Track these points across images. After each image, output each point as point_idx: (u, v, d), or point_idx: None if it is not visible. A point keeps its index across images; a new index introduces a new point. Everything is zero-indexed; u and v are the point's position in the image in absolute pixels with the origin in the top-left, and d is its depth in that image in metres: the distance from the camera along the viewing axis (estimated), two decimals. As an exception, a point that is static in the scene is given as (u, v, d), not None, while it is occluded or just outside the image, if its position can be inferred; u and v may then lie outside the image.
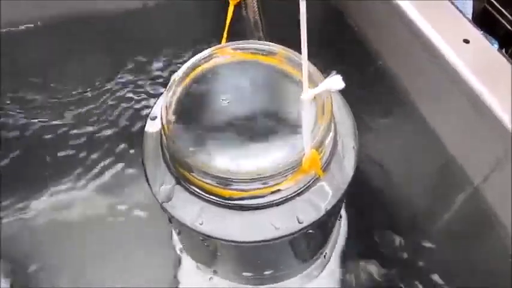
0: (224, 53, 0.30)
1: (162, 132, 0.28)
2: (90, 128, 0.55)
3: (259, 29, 0.47)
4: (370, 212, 0.49)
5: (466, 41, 0.37)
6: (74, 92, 0.56)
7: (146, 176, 0.30)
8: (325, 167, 0.28)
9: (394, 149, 0.49)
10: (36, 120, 0.54)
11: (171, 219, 0.30)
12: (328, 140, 0.28)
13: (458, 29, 0.38)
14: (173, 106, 0.29)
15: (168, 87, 0.29)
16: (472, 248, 0.41)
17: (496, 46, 0.57)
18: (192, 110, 0.29)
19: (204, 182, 0.27)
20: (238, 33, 0.54)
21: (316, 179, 0.28)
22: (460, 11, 0.40)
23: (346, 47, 0.52)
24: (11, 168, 0.52)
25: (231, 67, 0.30)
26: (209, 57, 0.30)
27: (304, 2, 0.19)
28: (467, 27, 0.38)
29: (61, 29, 0.52)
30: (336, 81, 0.23)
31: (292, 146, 0.27)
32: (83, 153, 0.53)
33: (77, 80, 0.56)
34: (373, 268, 0.46)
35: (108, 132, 0.54)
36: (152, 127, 0.32)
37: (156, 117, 0.31)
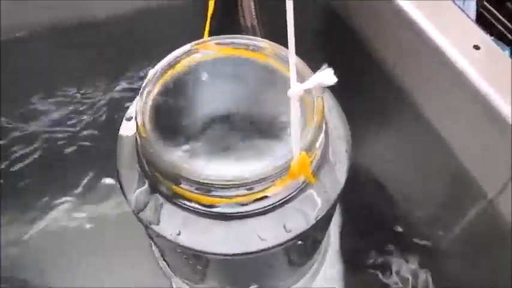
0: (206, 48, 0.28)
1: (137, 135, 0.25)
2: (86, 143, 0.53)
3: (256, 35, 0.45)
4: (379, 225, 0.48)
5: (477, 47, 0.36)
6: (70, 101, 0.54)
7: (120, 182, 0.27)
8: (316, 172, 0.26)
9: (404, 161, 0.48)
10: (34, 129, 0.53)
11: (146, 228, 0.27)
12: (319, 142, 0.25)
13: (467, 34, 0.37)
14: (149, 106, 0.26)
15: (143, 84, 0.27)
16: (486, 262, 0.40)
17: (508, 52, 0.56)
18: (170, 110, 0.27)
19: (182, 188, 0.25)
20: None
21: (306, 185, 0.26)
22: (469, 17, 0.38)
23: (345, 51, 0.50)
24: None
25: (213, 63, 0.28)
26: (189, 52, 0.28)
27: None
28: (477, 33, 0.37)
29: (58, 36, 0.50)
30: (327, 76, 0.21)
31: (281, 148, 0.25)
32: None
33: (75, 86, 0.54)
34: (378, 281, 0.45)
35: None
36: (127, 130, 0.29)
37: (131, 117, 0.29)
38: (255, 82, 0.28)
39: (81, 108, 0.54)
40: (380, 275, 0.45)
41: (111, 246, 0.48)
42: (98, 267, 0.46)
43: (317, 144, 0.25)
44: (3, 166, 0.51)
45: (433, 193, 0.44)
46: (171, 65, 0.27)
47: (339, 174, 0.28)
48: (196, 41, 0.28)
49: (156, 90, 0.27)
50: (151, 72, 0.27)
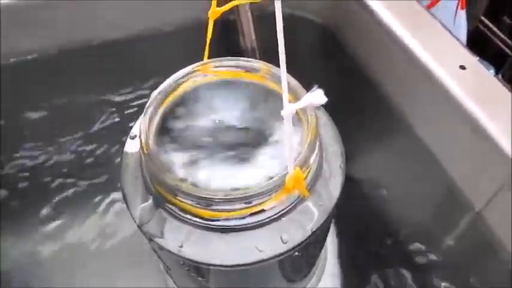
0: (206, 71, 0.30)
1: (141, 152, 0.27)
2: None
3: (256, 57, 0.47)
4: (367, 237, 0.49)
5: (463, 67, 0.38)
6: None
7: (124, 197, 0.29)
8: (311, 187, 0.27)
9: (394, 174, 0.49)
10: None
11: (150, 242, 0.29)
12: (313, 158, 0.27)
13: (454, 55, 0.39)
14: (153, 124, 0.28)
15: (147, 104, 0.28)
16: (474, 273, 0.40)
17: (492, 72, 0.58)
18: (172, 128, 0.28)
19: (184, 203, 0.26)
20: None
21: (302, 199, 0.27)
22: (456, 37, 0.40)
23: (341, 72, 0.52)
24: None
25: (213, 85, 0.30)
26: (190, 74, 0.29)
27: (280, 7, 0.18)
28: (463, 54, 0.39)
29: (61, 60, 0.51)
30: (317, 96, 0.22)
31: (276, 164, 0.26)
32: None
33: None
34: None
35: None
36: (132, 147, 0.31)
37: (135, 136, 0.30)
38: (252, 102, 0.29)
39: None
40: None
41: (111, 246, 0.49)
42: (98, 268, 0.47)
43: (311, 160, 0.26)
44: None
45: (424, 205, 0.45)
46: (172, 86, 0.29)
47: (333, 188, 0.29)
48: (196, 64, 0.30)
49: (158, 110, 0.28)
50: (154, 93, 0.29)
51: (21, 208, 0.52)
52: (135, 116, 0.53)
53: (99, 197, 0.54)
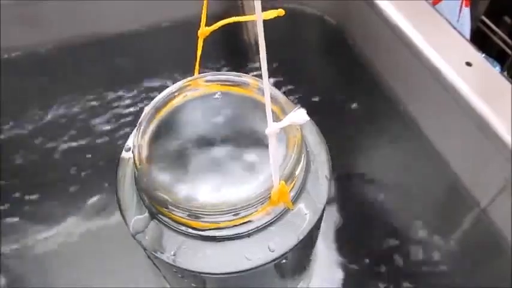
0: (196, 85, 0.31)
1: (134, 166, 0.28)
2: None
3: (258, 50, 0.47)
4: (371, 234, 0.50)
5: (469, 64, 0.38)
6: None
7: (120, 207, 0.30)
8: (297, 197, 0.29)
9: (398, 171, 0.50)
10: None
11: (145, 250, 0.30)
12: (298, 172, 0.28)
13: (460, 52, 0.39)
14: (145, 139, 0.29)
15: (140, 120, 0.29)
16: (479, 271, 0.41)
17: (498, 69, 0.58)
18: (163, 143, 0.29)
19: (176, 215, 0.27)
20: (238, 56, 0.56)
21: (287, 210, 0.28)
22: (460, 33, 0.41)
23: (346, 69, 0.53)
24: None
25: (204, 99, 0.31)
26: (181, 89, 0.31)
27: (261, 21, 0.19)
28: (469, 51, 0.40)
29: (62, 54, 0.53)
30: (299, 116, 0.23)
31: (263, 177, 0.28)
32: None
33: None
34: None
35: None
36: (127, 157, 0.32)
37: (130, 148, 0.32)
38: (241, 116, 0.30)
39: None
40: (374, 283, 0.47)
41: (111, 246, 0.50)
42: (97, 268, 0.48)
43: (296, 173, 0.28)
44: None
45: (429, 202, 0.46)
46: (165, 101, 0.30)
47: (319, 198, 0.30)
48: (188, 78, 0.31)
49: (151, 125, 0.30)
50: (147, 108, 0.30)
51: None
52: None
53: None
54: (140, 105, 0.57)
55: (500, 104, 0.35)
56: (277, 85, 0.52)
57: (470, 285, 0.42)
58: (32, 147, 0.55)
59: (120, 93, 0.57)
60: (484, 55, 0.39)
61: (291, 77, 0.54)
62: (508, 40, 0.74)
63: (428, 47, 0.39)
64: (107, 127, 0.56)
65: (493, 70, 0.38)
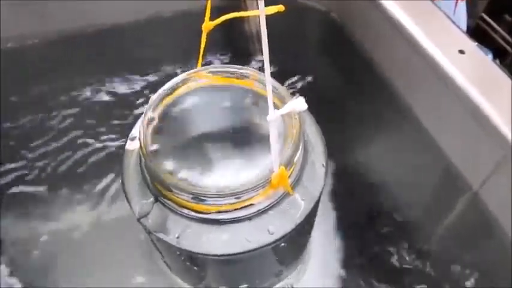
0: (200, 77, 0.32)
1: (140, 152, 0.30)
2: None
3: (259, 41, 0.48)
4: (367, 219, 0.51)
5: (462, 52, 0.39)
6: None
7: (125, 192, 0.32)
8: (295, 183, 0.30)
9: (393, 157, 0.51)
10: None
11: (149, 234, 0.31)
12: (297, 157, 0.29)
13: (453, 40, 0.40)
14: (151, 127, 0.31)
15: (146, 109, 0.31)
16: (472, 252, 0.42)
17: (491, 56, 0.60)
18: (168, 130, 0.31)
19: (180, 198, 0.29)
20: (240, 46, 0.56)
21: (287, 194, 0.30)
22: (455, 23, 0.42)
23: (345, 60, 0.54)
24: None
25: (206, 90, 0.32)
26: (185, 80, 0.32)
27: (264, 16, 0.21)
28: (462, 39, 0.41)
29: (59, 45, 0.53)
30: (299, 103, 0.25)
31: (264, 163, 0.29)
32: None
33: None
34: (372, 276, 0.47)
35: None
36: (132, 146, 0.33)
37: (135, 137, 0.33)
38: (242, 105, 0.32)
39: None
40: (374, 267, 0.48)
41: (111, 247, 0.50)
42: (97, 268, 0.49)
43: (295, 159, 0.29)
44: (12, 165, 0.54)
45: (424, 186, 0.47)
46: (169, 92, 0.32)
47: (316, 184, 0.32)
48: (191, 70, 0.32)
49: (156, 113, 0.31)
50: (153, 98, 0.31)
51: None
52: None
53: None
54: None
55: (492, 90, 0.36)
56: (276, 77, 0.52)
57: (462, 267, 0.43)
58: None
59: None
60: (477, 44, 0.40)
61: (291, 70, 0.55)
62: (509, 38, 0.75)
63: (422, 35, 0.40)
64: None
65: (485, 57, 0.39)
